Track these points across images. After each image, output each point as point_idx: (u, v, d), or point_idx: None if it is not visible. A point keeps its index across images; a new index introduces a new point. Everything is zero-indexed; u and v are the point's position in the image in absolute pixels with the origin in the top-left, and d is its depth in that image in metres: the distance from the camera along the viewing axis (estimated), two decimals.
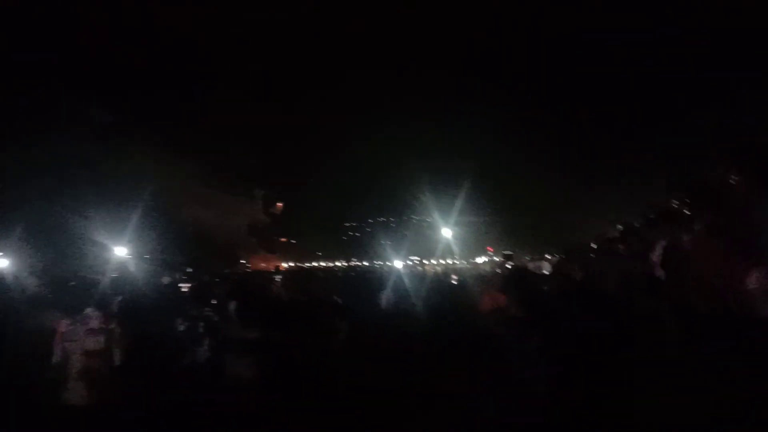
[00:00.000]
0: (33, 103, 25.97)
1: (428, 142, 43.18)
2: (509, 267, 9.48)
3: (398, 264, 17.82)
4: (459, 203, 29.92)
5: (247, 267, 33.08)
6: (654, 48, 33.46)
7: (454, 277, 10.26)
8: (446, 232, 29.90)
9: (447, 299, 5.50)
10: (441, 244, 30.54)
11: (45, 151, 25.16)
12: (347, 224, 53.75)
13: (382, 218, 50.83)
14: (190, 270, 13.65)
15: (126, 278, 7.77)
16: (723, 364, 2.31)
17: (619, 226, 6.35)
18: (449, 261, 32.04)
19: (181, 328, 5.28)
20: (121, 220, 18.82)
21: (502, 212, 42.40)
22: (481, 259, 32.62)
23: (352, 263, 42.44)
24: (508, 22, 39.75)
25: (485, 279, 7.52)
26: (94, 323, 4.58)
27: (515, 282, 4.73)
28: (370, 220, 52.50)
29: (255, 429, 3.85)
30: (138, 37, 33.57)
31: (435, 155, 41.04)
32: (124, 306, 5.46)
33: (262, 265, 35.71)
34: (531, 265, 11.43)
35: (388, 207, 47.99)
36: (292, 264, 39.03)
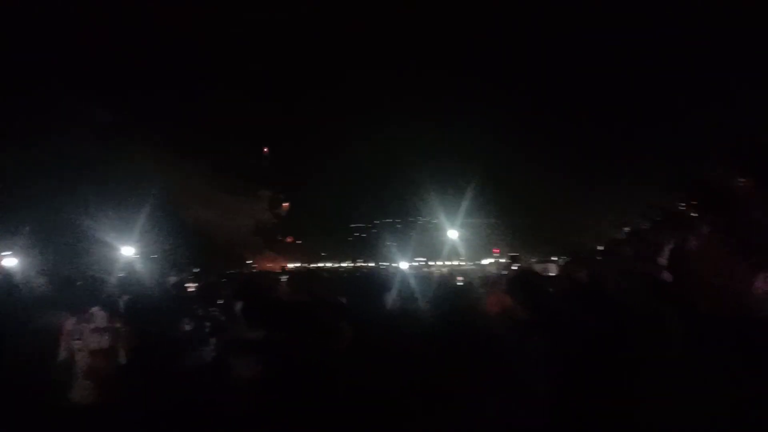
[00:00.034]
0: (40, 104, 26.17)
1: (435, 143, 43.12)
2: (515, 269, 9.47)
3: (404, 265, 17.81)
4: (465, 204, 29.94)
5: (253, 267, 33.19)
6: (659, 49, 33.38)
7: (460, 278, 10.24)
8: (452, 234, 29.90)
9: (452, 301, 5.49)
10: (447, 245, 30.53)
11: (53, 151, 25.34)
12: (353, 225, 53.77)
13: (388, 219, 50.82)
14: (196, 270, 13.70)
15: (133, 277, 7.80)
16: (728, 366, 2.30)
17: (626, 228, 6.34)
18: (455, 262, 32.03)
19: (187, 327, 5.30)
20: (129, 220, 18.94)
21: (508, 214, 42.33)
22: (487, 261, 32.59)
23: (358, 264, 42.49)
24: (514, 22, 39.68)
25: (491, 280, 7.50)
26: (101, 322, 4.61)
27: (521, 284, 4.72)
28: (376, 221, 52.49)
29: (260, 429, 3.86)
30: (145, 39, 33.75)
31: (441, 156, 40.91)
32: (131, 305, 5.50)
33: (269, 265, 35.81)
34: (537, 267, 11.39)
35: (394, 208, 47.99)
36: (298, 264, 39.13)
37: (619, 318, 3.35)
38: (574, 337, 3.44)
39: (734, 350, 2.35)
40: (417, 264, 29.74)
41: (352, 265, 42.03)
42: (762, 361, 2.25)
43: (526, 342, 3.84)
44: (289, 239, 44.55)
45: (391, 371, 3.69)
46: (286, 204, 43.99)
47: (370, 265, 38.98)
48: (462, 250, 31.65)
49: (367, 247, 45.12)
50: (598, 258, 6.15)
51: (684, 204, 3.97)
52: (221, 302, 5.52)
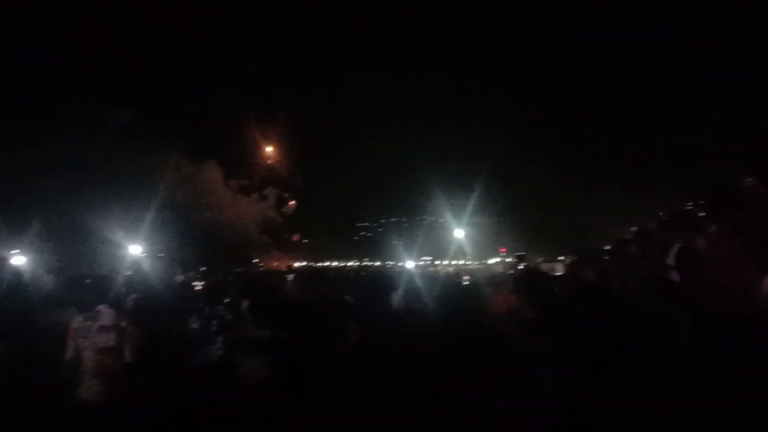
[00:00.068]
0: (49, 104, 26.34)
1: (442, 142, 43.09)
2: (522, 268, 9.46)
3: (410, 264, 17.81)
4: (472, 204, 29.92)
5: (260, 266, 33.28)
6: (670, 50, 33.23)
7: (466, 277, 10.23)
8: (458, 233, 29.87)
9: (459, 300, 5.48)
10: (453, 244, 30.50)
11: (61, 151, 25.49)
12: (359, 224, 53.81)
13: (394, 218, 50.82)
14: (203, 268, 13.76)
15: (140, 276, 7.83)
16: (736, 366, 2.29)
17: (633, 228, 6.32)
18: (461, 261, 32.01)
19: (194, 326, 5.32)
20: (136, 219, 19.05)
21: (515, 213, 42.24)
22: (493, 260, 32.54)
23: (365, 263, 42.52)
24: (528, 22, 39.61)
25: (497, 280, 7.49)
26: (108, 320, 4.64)
27: (528, 283, 4.71)
28: (382, 220, 52.51)
29: (267, 428, 3.87)
30: (153, 40, 33.91)
31: (448, 155, 40.89)
32: (138, 303, 5.52)
33: (275, 264, 35.91)
34: (544, 267, 11.36)
35: (400, 207, 47.99)
36: (304, 263, 39.21)
37: (626, 318, 3.33)
38: (581, 337, 3.43)
39: (742, 350, 2.34)
40: (423, 263, 29.80)
41: (359, 264, 42.10)
42: None
43: (532, 342, 3.83)
44: (295, 238, 44.61)
45: (397, 371, 3.68)
46: (292, 203, 44.05)
47: (376, 264, 39.06)
48: (468, 249, 31.62)
49: (373, 246, 45.21)
50: (606, 258, 6.13)
51: (691, 204, 3.96)
52: (228, 301, 5.53)
